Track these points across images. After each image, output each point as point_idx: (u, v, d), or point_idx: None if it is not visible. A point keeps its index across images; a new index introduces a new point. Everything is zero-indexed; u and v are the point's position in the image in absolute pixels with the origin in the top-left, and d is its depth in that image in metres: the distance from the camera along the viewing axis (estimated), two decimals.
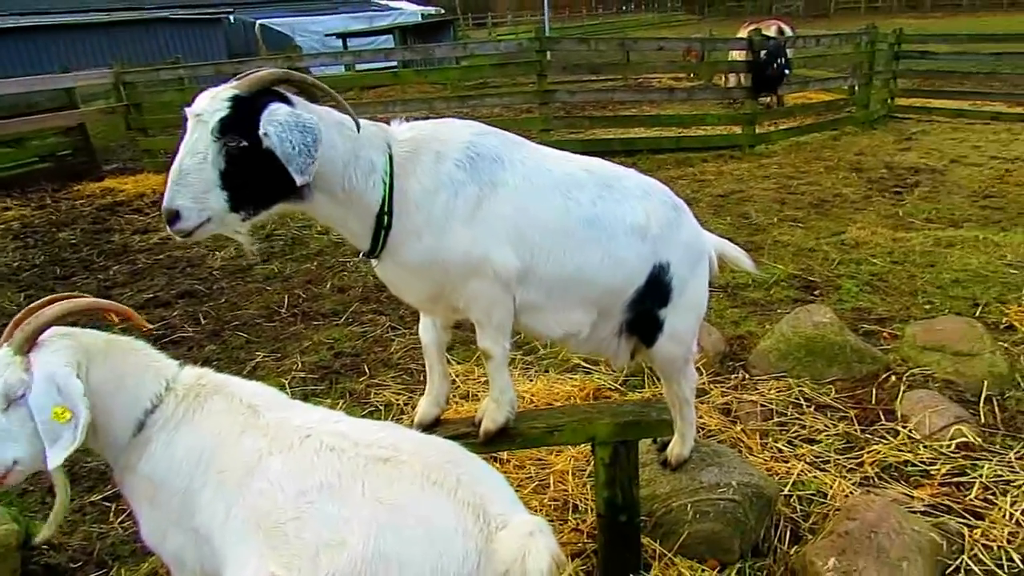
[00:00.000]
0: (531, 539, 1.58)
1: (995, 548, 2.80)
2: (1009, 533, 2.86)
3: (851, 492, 3.15)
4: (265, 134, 1.83)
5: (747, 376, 4.21)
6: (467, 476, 1.70)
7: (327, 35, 26.02)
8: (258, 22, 27.23)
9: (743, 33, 13.04)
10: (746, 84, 11.37)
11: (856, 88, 12.95)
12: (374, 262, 2.24)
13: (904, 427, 3.59)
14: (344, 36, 24.99)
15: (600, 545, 2.76)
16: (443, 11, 36.01)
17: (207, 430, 1.87)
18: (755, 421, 3.72)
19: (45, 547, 3.11)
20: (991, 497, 3.08)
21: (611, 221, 2.33)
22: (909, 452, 3.42)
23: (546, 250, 2.25)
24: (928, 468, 3.30)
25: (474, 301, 2.23)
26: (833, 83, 13.41)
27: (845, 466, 3.36)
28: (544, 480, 3.30)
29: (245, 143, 1.86)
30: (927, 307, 5.00)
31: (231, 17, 28.64)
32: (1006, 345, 4.30)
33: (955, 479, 3.22)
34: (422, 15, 30.32)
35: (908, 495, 3.13)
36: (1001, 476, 3.20)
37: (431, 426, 2.53)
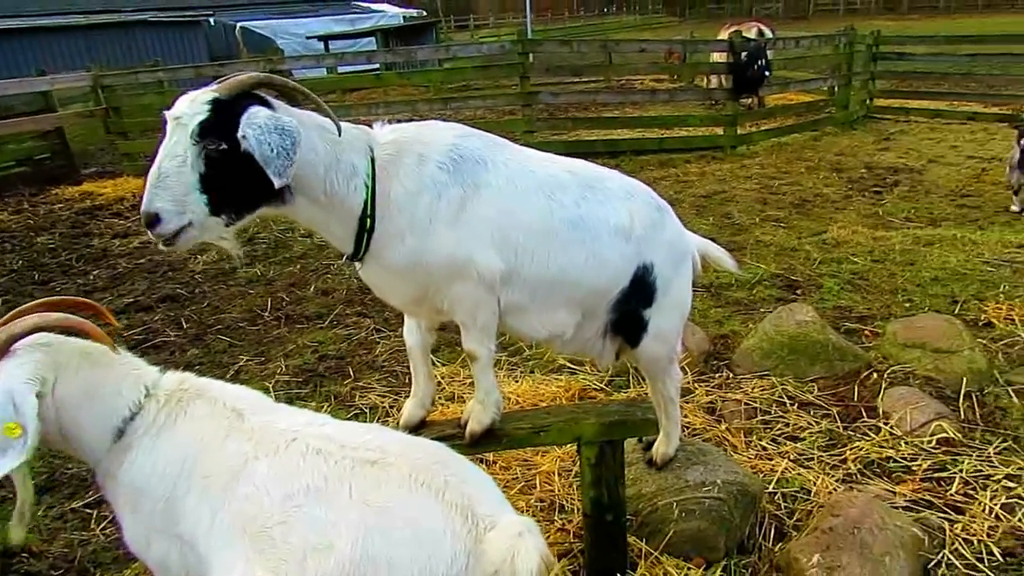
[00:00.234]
0: (520, 539, 1.58)
1: (975, 542, 2.84)
2: (989, 527, 2.91)
3: (834, 489, 3.18)
4: (244, 137, 1.82)
5: (731, 375, 4.24)
6: (454, 477, 1.70)
7: (308, 37, 25.91)
8: (239, 24, 27.05)
9: (724, 35, 13.14)
10: (727, 85, 11.45)
11: (835, 89, 13.08)
12: (357, 265, 2.24)
13: (886, 424, 3.63)
14: (326, 39, 24.90)
15: (586, 545, 2.77)
16: (425, 13, 36.00)
17: (190, 435, 1.86)
18: (739, 419, 3.75)
19: (25, 555, 3.07)
20: (971, 492, 3.13)
21: (595, 222, 2.34)
22: (891, 448, 3.46)
23: (530, 251, 2.25)
24: (909, 464, 3.34)
25: (458, 303, 2.23)
26: (813, 84, 13.55)
27: (828, 463, 3.39)
28: (530, 481, 3.30)
29: (225, 146, 1.85)
30: (907, 305, 5.07)
31: (211, 20, 28.42)
32: (985, 342, 4.36)
33: (936, 474, 3.26)
34: (404, 17, 30.27)
35: (890, 491, 3.16)
36: (981, 471, 3.24)
37: (417, 428, 2.53)
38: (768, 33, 13.24)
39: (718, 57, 12.13)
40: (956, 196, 8.18)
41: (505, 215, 2.20)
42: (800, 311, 4.48)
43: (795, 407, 3.86)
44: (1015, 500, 3.04)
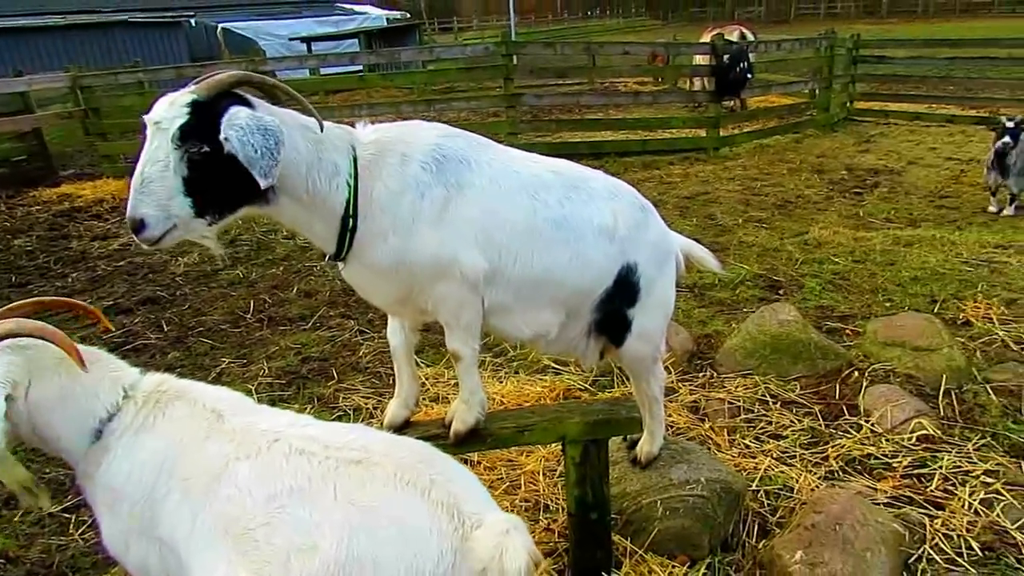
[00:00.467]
0: (507, 537, 1.58)
1: (955, 537, 2.88)
2: (968, 522, 2.94)
3: (817, 486, 3.20)
4: (226, 139, 1.81)
5: (715, 374, 4.27)
6: (440, 476, 1.69)
7: (291, 39, 25.77)
8: (220, 26, 26.86)
9: (706, 38, 13.25)
10: (710, 88, 11.53)
11: (816, 92, 13.22)
12: (340, 265, 2.23)
13: (867, 421, 3.67)
14: (308, 40, 24.78)
15: (571, 544, 2.77)
16: (408, 15, 35.94)
17: (169, 436, 1.85)
18: (723, 418, 3.77)
19: (2, 560, 3.02)
20: (951, 488, 3.16)
21: (579, 222, 2.34)
22: (872, 446, 3.49)
23: (514, 251, 2.25)
24: (890, 461, 3.37)
25: (442, 303, 2.22)
26: (794, 87, 13.68)
27: (811, 460, 3.41)
28: (515, 480, 3.30)
29: (207, 148, 1.84)
30: (887, 304, 5.12)
31: (192, 20, 28.21)
32: (963, 340, 4.42)
33: (916, 471, 3.30)
34: (387, 19, 30.19)
35: (871, 487, 3.19)
36: (960, 467, 3.28)
37: (401, 428, 2.52)
38: (750, 36, 13.36)
39: (701, 60, 12.22)
40: (935, 197, 8.29)
41: (489, 215, 2.19)
42: (782, 311, 4.51)
43: (778, 405, 3.88)
44: (993, 496, 3.08)
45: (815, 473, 3.31)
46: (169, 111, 1.83)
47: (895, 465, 3.34)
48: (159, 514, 1.79)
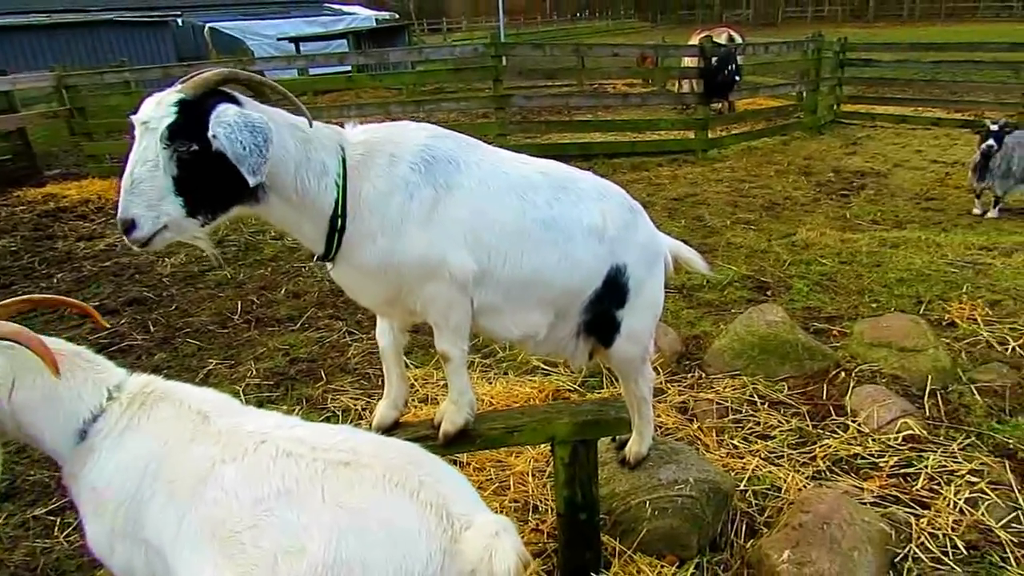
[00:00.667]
0: (497, 539, 1.58)
1: (940, 536, 2.90)
2: (953, 521, 2.97)
3: (804, 486, 3.22)
4: (214, 136, 1.80)
5: (703, 375, 4.28)
6: (429, 477, 1.69)
7: (279, 39, 25.66)
8: (207, 25, 26.70)
9: (695, 40, 13.30)
10: (699, 90, 11.58)
11: (804, 94, 13.30)
12: (329, 266, 2.22)
13: (854, 421, 3.69)
14: (297, 40, 24.68)
15: (560, 544, 2.77)
16: (397, 16, 35.88)
17: (153, 438, 1.84)
18: (711, 419, 3.79)
19: None
20: (936, 487, 3.19)
21: (568, 223, 2.34)
22: (859, 445, 3.51)
23: (503, 252, 2.25)
24: (877, 460, 3.40)
25: (431, 304, 2.22)
26: (782, 90, 13.76)
27: (798, 460, 3.43)
28: (504, 481, 3.30)
29: (196, 147, 1.83)
30: (874, 305, 5.16)
31: (179, 20, 28.04)
32: (948, 341, 4.46)
33: (902, 470, 3.32)
34: (376, 20, 30.13)
35: (858, 487, 3.22)
36: (945, 467, 3.31)
37: (390, 429, 2.51)
38: (738, 39, 13.43)
39: (689, 62, 12.27)
40: (920, 199, 8.37)
41: (477, 216, 2.19)
42: (770, 312, 4.54)
43: (765, 406, 3.90)
44: (978, 495, 3.11)
45: (803, 473, 3.33)
46: (157, 111, 1.82)
47: (881, 465, 3.36)
48: (144, 516, 1.78)
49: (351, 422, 3.87)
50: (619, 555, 2.80)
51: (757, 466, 3.37)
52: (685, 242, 2.96)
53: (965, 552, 2.82)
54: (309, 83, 14.78)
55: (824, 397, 3.97)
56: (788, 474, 3.30)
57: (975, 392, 3.89)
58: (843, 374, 4.16)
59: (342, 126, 2.22)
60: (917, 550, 2.83)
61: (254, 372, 4.63)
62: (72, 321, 5.50)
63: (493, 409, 3.69)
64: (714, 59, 11.13)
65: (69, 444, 1.87)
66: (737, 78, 11.38)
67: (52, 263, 7.26)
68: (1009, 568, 2.75)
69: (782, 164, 10.37)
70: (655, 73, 16.76)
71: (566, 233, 2.33)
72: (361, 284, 2.25)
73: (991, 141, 7.33)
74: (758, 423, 3.75)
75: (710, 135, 11.41)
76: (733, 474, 3.29)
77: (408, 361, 4.36)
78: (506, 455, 3.46)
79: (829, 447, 3.51)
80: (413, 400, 3.98)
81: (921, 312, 4.92)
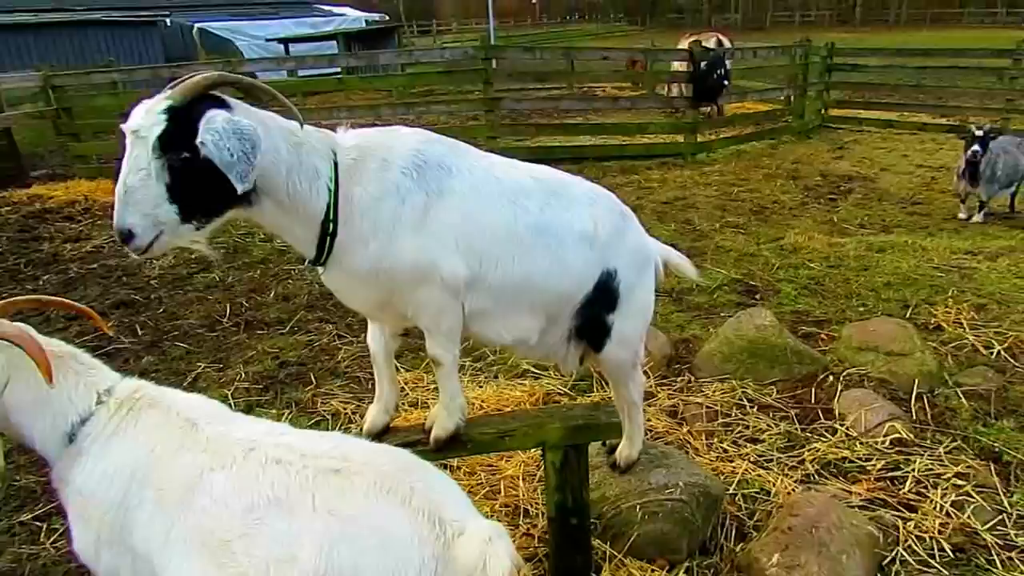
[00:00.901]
0: (490, 545, 1.57)
1: (927, 539, 2.93)
2: (940, 524, 2.99)
3: (793, 489, 3.24)
4: (202, 143, 1.80)
5: (693, 379, 4.30)
6: (421, 483, 1.68)
7: (268, 40, 25.57)
8: (196, 26, 26.58)
9: (684, 44, 13.35)
10: (688, 94, 11.63)
11: (792, 99, 13.40)
12: (320, 270, 2.21)
13: (842, 425, 3.72)
14: (286, 41, 24.61)
15: (551, 549, 2.77)
16: (387, 17, 35.83)
17: (141, 445, 1.83)
18: (701, 422, 3.80)
19: None
20: (923, 490, 3.22)
21: (559, 228, 2.34)
22: (847, 449, 3.54)
23: (494, 257, 2.25)
24: (864, 464, 3.42)
25: (422, 308, 2.22)
26: (770, 94, 13.85)
27: (787, 464, 3.45)
28: (495, 486, 3.30)
29: (187, 155, 1.83)
30: (861, 309, 5.20)
31: (167, 20, 27.86)
32: (935, 345, 4.50)
33: (890, 474, 3.35)
34: (366, 21, 30.08)
35: (846, 490, 3.24)
36: (932, 470, 3.34)
37: (381, 434, 2.51)
38: (727, 43, 13.50)
39: (679, 66, 12.33)
40: (907, 204, 8.45)
41: (469, 221, 2.19)
42: (759, 316, 4.56)
43: (755, 410, 3.92)
44: (964, 498, 3.14)
45: (792, 476, 3.35)
46: (146, 119, 1.82)
47: (869, 468, 3.39)
48: (131, 523, 1.77)
49: (341, 426, 3.86)
50: (610, 559, 2.81)
51: (746, 470, 3.38)
52: (674, 246, 2.97)
53: (951, 555, 2.85)
54: (298, 85, 14.74)
55: (812, 401, 4.00)
56: (777, 478, 3.32)
57: (961, 396, 3.93)
58: (831, 378, 4.18)
59: (333, 129, 2.21)
60: (904, 553, 2.85)
61: (243, 376, 4.60)
62: (59, 323, 5.45)
63: (484, 413, 3.69)
64: (703, 63, 11.19)
65: (58, 446, 1.87)
66: (726, 82, 11.46)
67: (38, 265, 7.19)
68: (994, 570, 2.78)
69: (770, 168, 10.43)
70: (644, 77, 16.81)
71: (557, 238, 2.34)
72: (352, 288, 2.24)
73: (976, 146, 7.41)
74: (747, 427, 3.77)
75: (699, 139, 11.46)
76: (723, 478, 3.30)
77: (399, 365, 4.35)
78: (497, 459, 3.45)
79: (817, 451, 3.53)
80: (404, 404, 3.97)
81: (908, 316, 4.96)
